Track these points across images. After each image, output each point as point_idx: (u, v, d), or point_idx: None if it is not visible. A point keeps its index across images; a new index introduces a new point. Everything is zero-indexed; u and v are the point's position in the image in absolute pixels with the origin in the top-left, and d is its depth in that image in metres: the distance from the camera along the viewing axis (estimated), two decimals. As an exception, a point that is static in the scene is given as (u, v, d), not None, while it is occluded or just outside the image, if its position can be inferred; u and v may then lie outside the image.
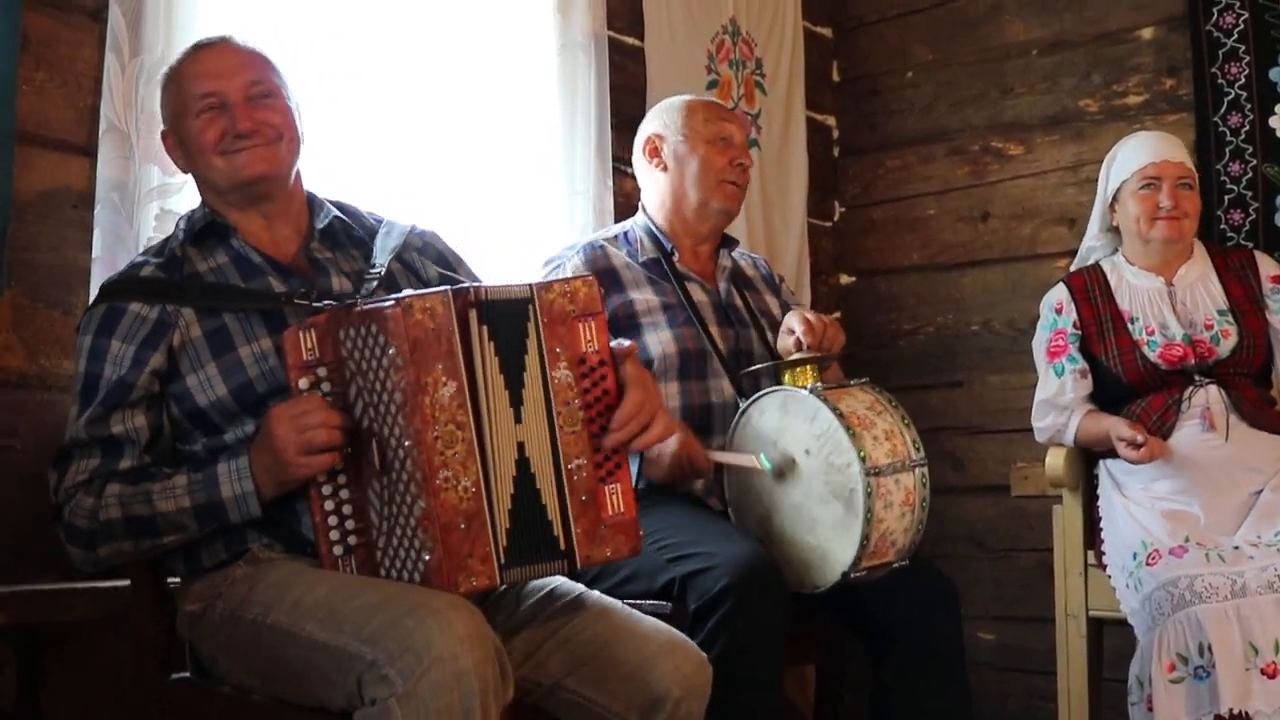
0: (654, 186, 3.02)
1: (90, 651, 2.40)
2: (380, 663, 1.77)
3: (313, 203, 2.28)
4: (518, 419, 1.95)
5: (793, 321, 2.80)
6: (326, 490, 1.95)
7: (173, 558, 2.10)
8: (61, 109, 2.58)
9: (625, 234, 3.00)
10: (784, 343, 2.79)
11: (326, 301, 2.06)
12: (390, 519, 1.90)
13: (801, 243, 4.13)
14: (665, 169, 2.99)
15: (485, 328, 1.93)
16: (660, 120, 3.04)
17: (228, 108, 2.15)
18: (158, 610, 2.14)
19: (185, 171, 2.26)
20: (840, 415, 2.48)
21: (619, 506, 2.00)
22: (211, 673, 2.08)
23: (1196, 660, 2.68)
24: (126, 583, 2.19)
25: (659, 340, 2.80)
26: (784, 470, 2.54)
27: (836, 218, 4.45)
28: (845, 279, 4.42)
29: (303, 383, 1.96)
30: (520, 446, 1.94)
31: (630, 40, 3.72)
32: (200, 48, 2.22)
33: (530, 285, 2.00)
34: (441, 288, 1.94)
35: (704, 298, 2.93)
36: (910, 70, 4.32)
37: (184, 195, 2.64)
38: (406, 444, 1.86)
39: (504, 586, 2.01)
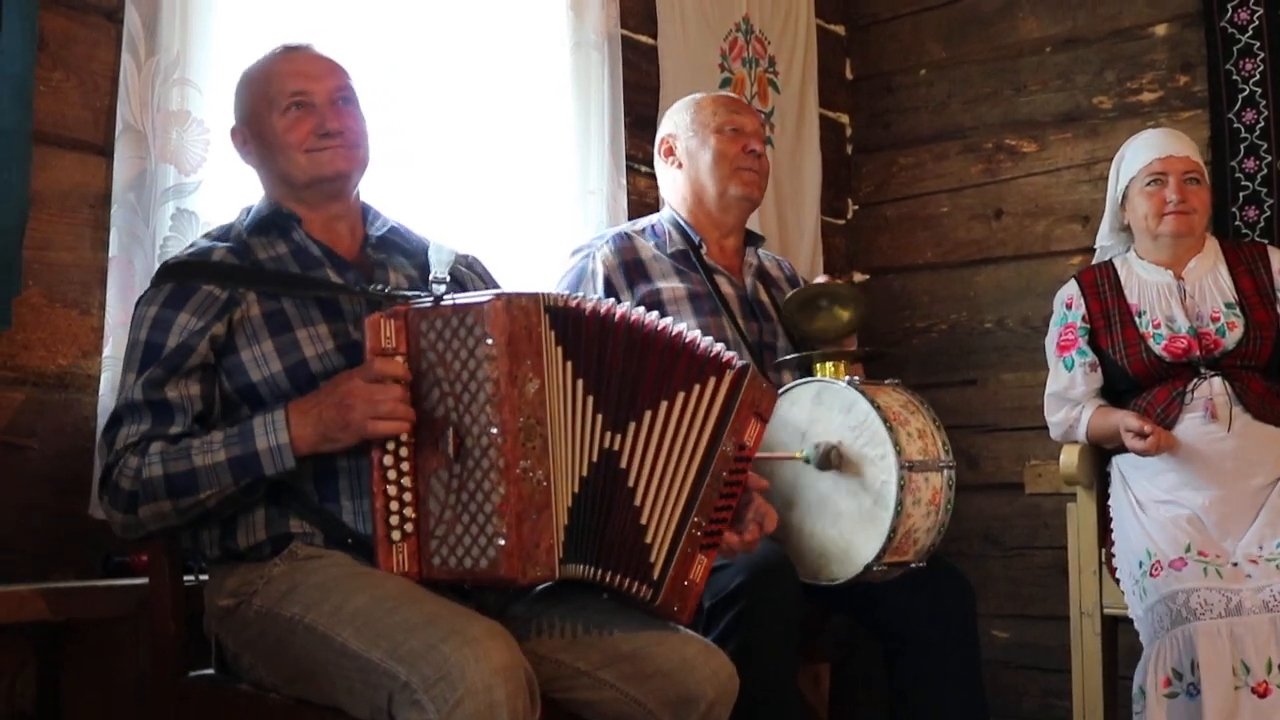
0: (673, 185, 3.05)
1: (109, 649, 2.41)
2: (414, 686, 1.78)
3: (367, 212, 2.34)
4: (616, 427, 2.01)
5: (819, 277, 2.95)
6: (391, 475, 1.98)
7: (209, 538, 2.10)
8: (78, 109, 2.59)
9: (652, 227, 3.02)
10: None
11: (402, 290, 2.12)
12: (456, 507, 1.94)
13: (815, 241, 4.14)
14: (681, 166, 3.02)
15: (554, 332, 1.98)
16: (672, 121, 3.08)
17: (315, 108, 2.21)
18: (177, 607, 2.15)
19: (256, 167, 2.28)
20: (878, 408, 2.49)
21: (697, 577, 2.06)
22: (233, 668, 2.09)
23: (1189, 678, 2.69)
24: (145, 580, 2.20)
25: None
26: (829, 457, 2.54)
27: (850, 215, 4.45)
28: (859, 277, 4.42)
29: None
30: (610, 455, 2.00)
31: (644, 39, 3.73)
32: (288, 50, 2.29)
33: (748, 364, 2.10)
34: (533, 290, 2.01)
35: (730, 290, 2.94)
36: (923, 68, 4.32)
37: (200, 195, 2.66)
38: (493, 431, 1.91)
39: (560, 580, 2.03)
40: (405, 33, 3.14)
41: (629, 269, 2.88)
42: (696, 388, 2.05)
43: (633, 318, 2.05)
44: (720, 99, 3.07)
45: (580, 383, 2.00)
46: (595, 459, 2.00)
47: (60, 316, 2.55)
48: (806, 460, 2.54)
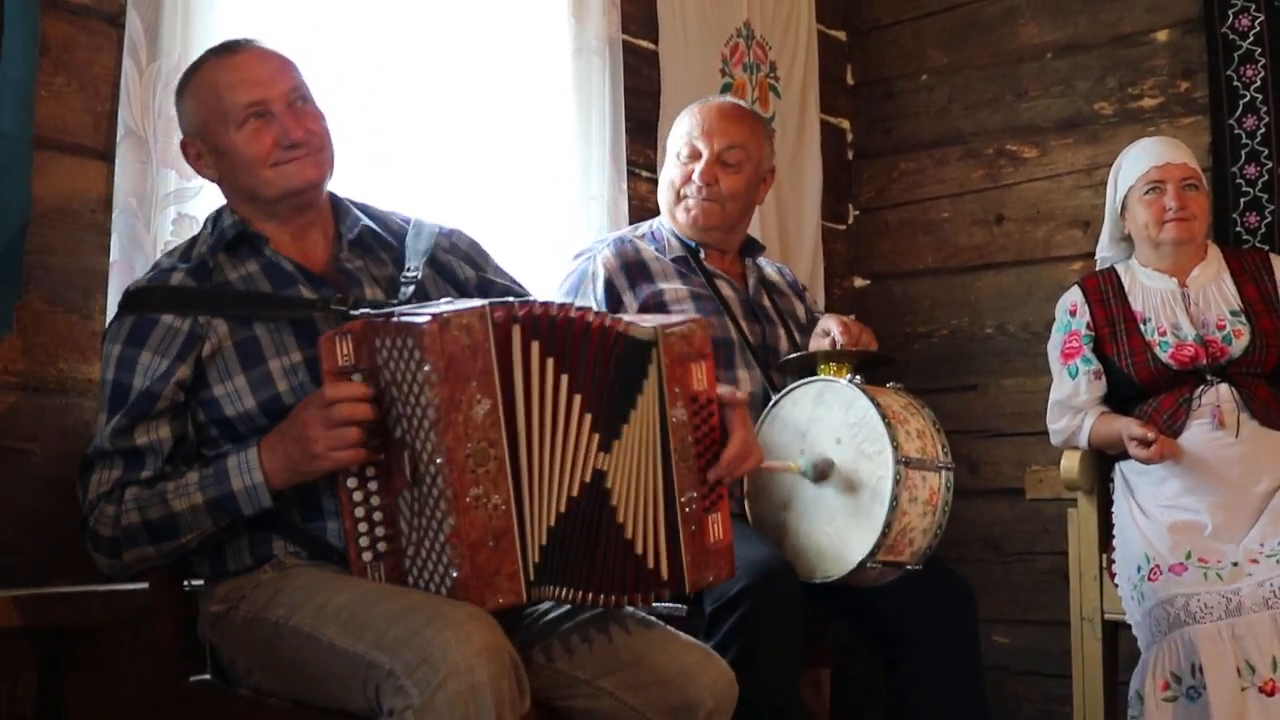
0: None
1: (111, 654, 2.41)
2: (398, 672, 1.77)
3: (338, 208, 2.26)
4: (605, 447, 1.96)
5: (828, 324, 2.83)
6: (358, 496, 1.94)
7: (198, 561, 2.10)
8: (80, 114, 2.59)
9: (652, 232, 3.03)
10: (819, 344, 2.81)
11: (362, 310, 2.03)
12: (419, 530, 1.89)
13: (815, 246, 4.14)
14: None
15: (537, 343, 1.92)
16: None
17: (274, 117, 2.11)
18: (177, 612, 2.15)
19: (215, 181, 2.21)
20: (878, 405, 2.50)
21: (719, 533, 2.04)
22: (231, 675, 2.09)
23: (1189, 681, 2.70)
24: (146, 585, 2.20)
25: None
26: (824, 471, 2.55)
27: (851, 221, 4.45)
28: (859, 282, 4.43)
29: None
30: (600, 474, 1.95)
31: (644, 44, 3.73)
32: (229, 52, 2.17)
33: (655, 328, 2.02)
34: (479, 302, 1.93)
35: (732, 294, 2.95)
36: (924, 73, 4.32)
37: (201, 200, 2.65)
38: (438, 461, 1.84)
39: (533, 604, 2.01)
40: (407, 38, 3.14)
41: (631, 270, 2.88)
42: (649, 384, 2.00)
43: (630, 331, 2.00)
44: (700, 112, 3.00)
45: (579, 399, 1.94)
46: (588, 479, 1.95)
47: (61, 321, 2.54)
48: (803, 473, 2.55)
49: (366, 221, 2.25)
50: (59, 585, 2.36)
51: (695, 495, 2.01)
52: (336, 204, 2.27)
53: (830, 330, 2.80)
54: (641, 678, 2.01)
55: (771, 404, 2.70)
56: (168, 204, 2.62)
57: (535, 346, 1.92)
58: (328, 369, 1.94)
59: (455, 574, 1.84)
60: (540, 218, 3.35)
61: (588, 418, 1.95)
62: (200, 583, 2.17)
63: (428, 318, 1.85)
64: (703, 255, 2.95)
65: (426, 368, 1.84)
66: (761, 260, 3.12)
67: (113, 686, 2.39)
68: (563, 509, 1.93)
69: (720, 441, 2.08)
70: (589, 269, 2.89)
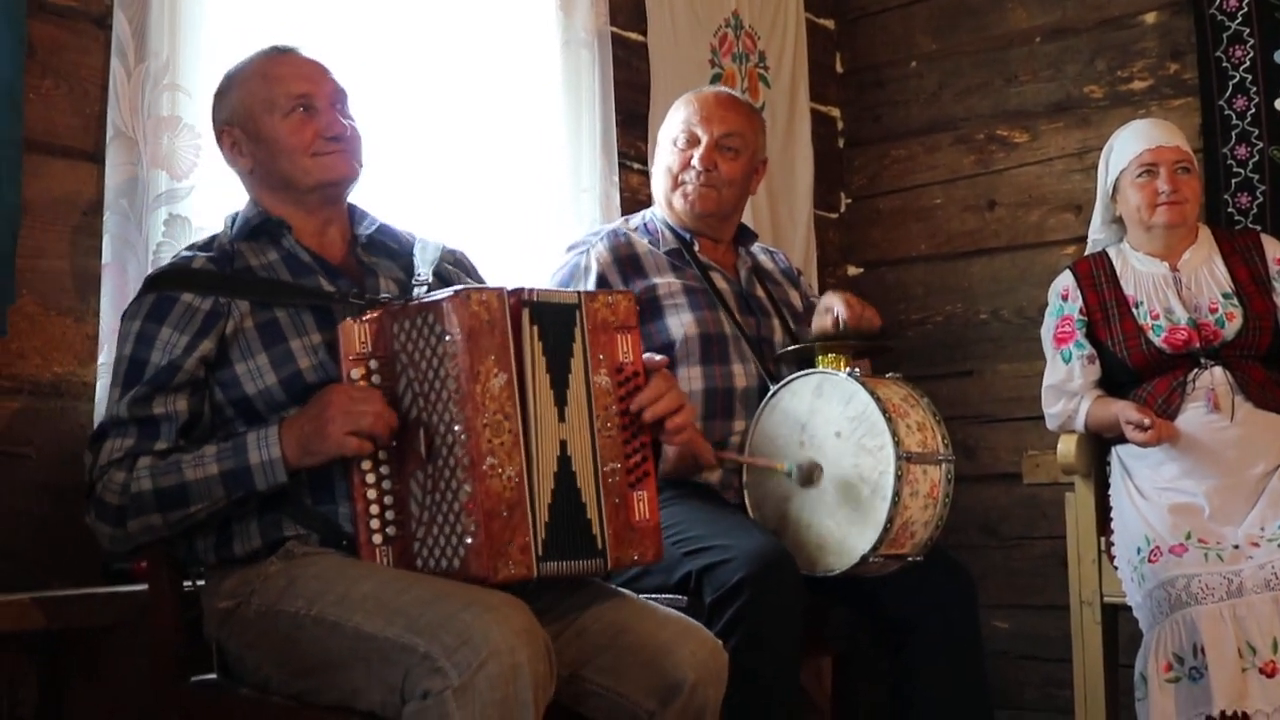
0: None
1: (110, 656, 2.40)
2: (435, 655, 1.79)
3: (353, 212, 2.34)
4: (561, 417, 2.01)
5: (832, 300, 2.82)
6: (370, 479, 1.99)
7: (204, 546, 2.11)
8: (68, 116, 2.59)
9: (645, 224, 3.01)
10: (822, 321, 2.81)
11: (383, 295, 2.13)
12: (432, 508, 1.93)
13: (808, 235, 4.14)
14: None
15: (535, 327, 1.99)
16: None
17: (318, 111, 2.22)
18: (176, 613, 2.15)
19: (246, 170, 2.26)
20: (878, 399, 2.49)
21: (645, 512, 2.05)
22: (237, 671, 2.08)
23: (1191, 661, 2.70)
24: (145, 586, 2.20)
25: (681, 323, 2.80)
26: (811, 476, 2.54)
27: (843, 209, 4.46)
28: (853, 270, 4.43)
29: (355, 373, 2.01)
30: (563, 444, 2.00)
31: (633, 36, 3.73)
32: (280, 51, 2.28)
33: (578, 292, 2.09)
34: (496, 284, 2.01)
35: (725, 285, 2.93)
36: (914, 60, 4.33)
37: (192, 201, 2.66)
38: (456, 429, 1.91)
39: (537, 580, 2.01)
40: (396, 34, 3.14)
41: (624, 265, 2.87)
42: (576, 347, 2.04)
43: None
44: (698, 100, 2.99)
45: (549, 376, 2.01)
46: (559, 452, 2.00)
47: (55, 324, 2.54)
48: (789, 474, 2.54)
49: (380, 223, 2.33)
50: (57, 589, 2.36)
51: (618, 467, 2.04)
52: (351, 209, 2.34)
53: (833, 307, 2.79)
54: (620, 660, 2.02)
55: (770, 394, 2.69)
56: (159, 205, 2.62)
57: (535, 330, 1.99)
58: (345, 353, 2.00)
59: (470, 540, 1.88)
60: (532, 211, 3.35)
61: (551, 391, 2.01)
62: (200, 583, 2.16)
63: (449, 293, 1.94)
64: (696, 246, 2.94)
65: (448, 338, 1.92)
66: (755, 248, 3.11)
67: (113, 690, 2.39)
68: (553, 485, 1.98)
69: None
70: (582, 263, 2.88)
